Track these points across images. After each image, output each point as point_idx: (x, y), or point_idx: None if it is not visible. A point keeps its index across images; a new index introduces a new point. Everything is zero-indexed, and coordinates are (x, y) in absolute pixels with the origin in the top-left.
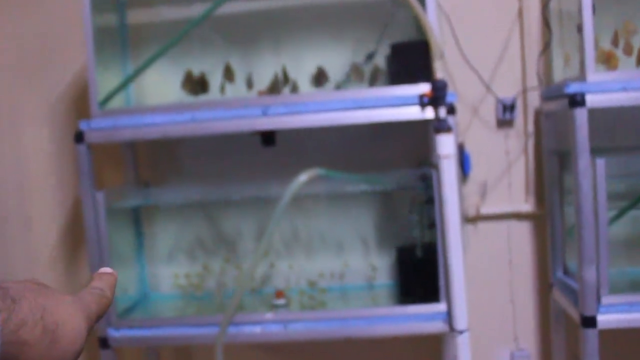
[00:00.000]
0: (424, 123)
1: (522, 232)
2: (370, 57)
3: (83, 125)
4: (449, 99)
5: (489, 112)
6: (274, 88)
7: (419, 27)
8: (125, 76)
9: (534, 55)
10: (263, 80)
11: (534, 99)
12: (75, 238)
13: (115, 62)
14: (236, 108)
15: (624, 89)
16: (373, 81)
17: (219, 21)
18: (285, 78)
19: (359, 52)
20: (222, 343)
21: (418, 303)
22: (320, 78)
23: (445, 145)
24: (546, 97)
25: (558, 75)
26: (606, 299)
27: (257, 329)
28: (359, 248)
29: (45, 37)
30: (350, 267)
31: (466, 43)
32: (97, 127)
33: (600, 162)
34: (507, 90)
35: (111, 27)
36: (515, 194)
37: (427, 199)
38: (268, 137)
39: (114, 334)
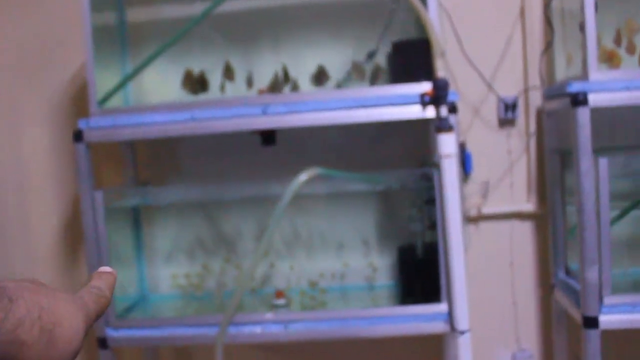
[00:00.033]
0: (425, 122)
1: (524, 232)
2: (371, 55)
3: (82, 124)
4: (451, 98)
5: (491, 111)
6: (274, 87)
7: (420, 25)
8: (125, 75)
9: (536, 54)
10: (263, 79)
11: (536, 98)
12: (74, 237)
13: (114, 61)
14: (236, 107)
15: (627, 88)
16: (374, 80)
17: (219, 19)
18: (286, 77)
19: (360, 50)
20: (222, 343)
21: (419, 303)
22: (320, 77)
23: (447, 144)
24: (548, 96)
25: (560, 74)
26: (608, 300)
27: (257, 329)
28: (359, 248)
29: (44, 37)
30: (350, 267)
31: (468, 41)
32: (96, 126)
33: (603, 162)
34: (509, 89)
35: (110, 25)
36: (517, 194)
37: (428, 198)
38: (268, 136)
39: (112, 334)
